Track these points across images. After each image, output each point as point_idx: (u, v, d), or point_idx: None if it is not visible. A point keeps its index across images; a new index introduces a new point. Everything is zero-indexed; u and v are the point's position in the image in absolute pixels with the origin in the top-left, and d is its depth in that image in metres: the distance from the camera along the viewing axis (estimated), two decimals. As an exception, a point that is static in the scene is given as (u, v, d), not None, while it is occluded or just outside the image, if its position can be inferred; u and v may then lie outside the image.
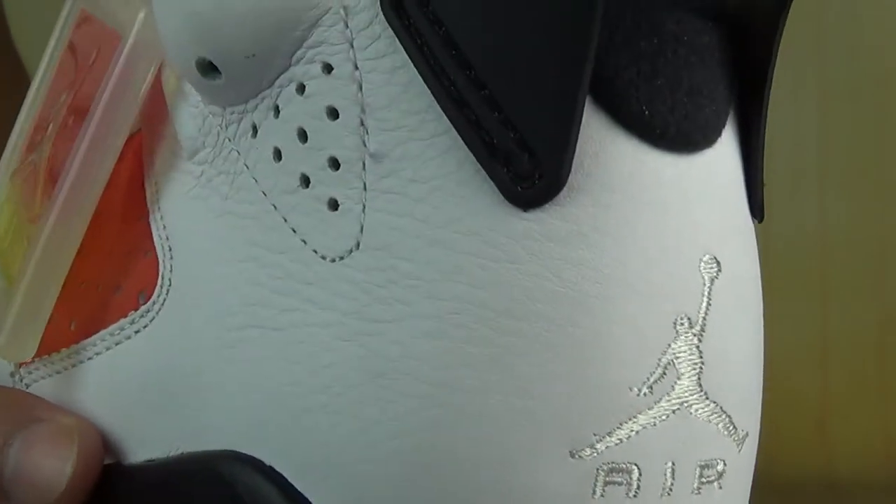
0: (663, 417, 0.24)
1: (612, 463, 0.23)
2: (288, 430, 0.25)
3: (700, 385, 0.24)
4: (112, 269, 0.29)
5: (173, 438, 0.27)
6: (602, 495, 0.23)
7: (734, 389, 0.25)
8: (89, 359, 0.29)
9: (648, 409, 0.24)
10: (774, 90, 0.25)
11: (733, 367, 0.25)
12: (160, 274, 0.28)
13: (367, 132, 0.24)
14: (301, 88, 0.25)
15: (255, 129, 0.26)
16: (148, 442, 0.27)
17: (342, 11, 0.24)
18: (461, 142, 0.23)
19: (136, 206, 0.29)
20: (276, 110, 0.26)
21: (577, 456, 0.23)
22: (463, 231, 0.23)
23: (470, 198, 0.23)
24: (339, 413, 0.24)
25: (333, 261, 0.25)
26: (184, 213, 0.28)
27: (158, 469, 0.27)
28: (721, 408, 0.24)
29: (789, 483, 0.34)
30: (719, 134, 0.24)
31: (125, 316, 0.28)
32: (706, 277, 0.24)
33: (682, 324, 0.24)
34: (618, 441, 0.23)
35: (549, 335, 0.23)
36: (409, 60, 0.24)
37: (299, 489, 0.25)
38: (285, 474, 0.25)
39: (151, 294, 0.28)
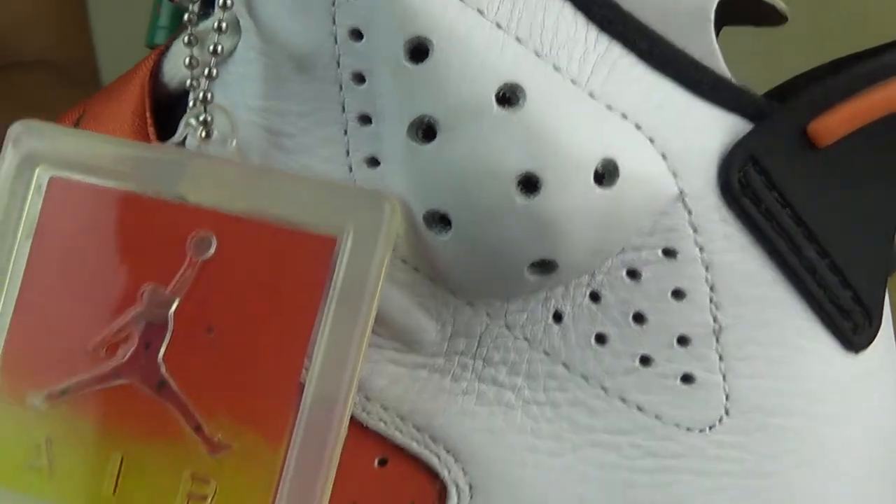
0: None
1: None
2: None
3: None
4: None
5: None
6: None
7: None
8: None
9: None
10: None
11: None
12: (446, 481, 0.26)
13: (717, 307, 0.26)
14: (633, 274, 0.26)
15: (558, 316, 0.26)
16: None
17: (685, 200, 0.26)
18: (805, 303, 0.27)
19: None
20: (595, 296, 0.26)
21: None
22: (824, 381, 0.27)
23: (820, 352, 0.27)
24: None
25: (703, 430, 0.26)
26: (446, 413, 0.26)
27: None
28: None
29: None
30: None
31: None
32: None
33: None
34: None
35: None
36: (755, 239, 0.26)
37: None
38: None
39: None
